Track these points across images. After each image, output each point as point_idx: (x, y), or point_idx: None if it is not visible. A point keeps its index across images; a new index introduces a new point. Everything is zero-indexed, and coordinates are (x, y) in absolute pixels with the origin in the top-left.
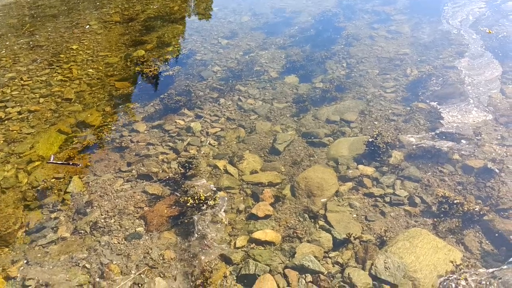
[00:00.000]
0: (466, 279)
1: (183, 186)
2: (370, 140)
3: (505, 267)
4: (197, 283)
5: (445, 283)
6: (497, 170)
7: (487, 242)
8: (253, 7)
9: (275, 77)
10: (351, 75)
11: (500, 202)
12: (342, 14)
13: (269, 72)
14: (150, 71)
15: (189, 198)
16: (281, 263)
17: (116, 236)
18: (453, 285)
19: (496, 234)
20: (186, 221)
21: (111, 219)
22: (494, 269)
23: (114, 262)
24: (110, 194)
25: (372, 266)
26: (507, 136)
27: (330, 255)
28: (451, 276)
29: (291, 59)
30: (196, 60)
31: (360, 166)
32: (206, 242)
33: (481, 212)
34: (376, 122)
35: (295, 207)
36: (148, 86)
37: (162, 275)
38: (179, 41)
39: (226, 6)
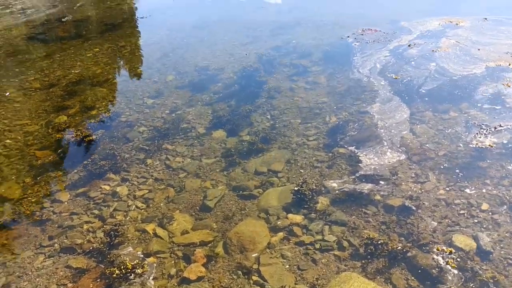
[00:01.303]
0: None
1: (109, 256)
2: (296, 188)
3: None
4: None
5: None
6: (414, 207)
7: (412, 278)
8: (177, 66)
9: (202, 133)
10: (276, 126)
11: (421, 237)
12: (262, 69)
13: (197, 129)
14: (73, 137)
15: (115, 268)
16: None
17: None
18: None
19: (419, 270)
20: None
21: None
22: None
23: None
24: (30, 273)
25: None
26: (420, 174)
27: None
28: None
29: (218, 114)
30: (121, 121)
31: (290, 215)
32: None
33: (404, 250)
34: (301, 170)
35: (228, 265)
36: (71, 152)
37: None
38: (103, 103)
39: (151, 66)
